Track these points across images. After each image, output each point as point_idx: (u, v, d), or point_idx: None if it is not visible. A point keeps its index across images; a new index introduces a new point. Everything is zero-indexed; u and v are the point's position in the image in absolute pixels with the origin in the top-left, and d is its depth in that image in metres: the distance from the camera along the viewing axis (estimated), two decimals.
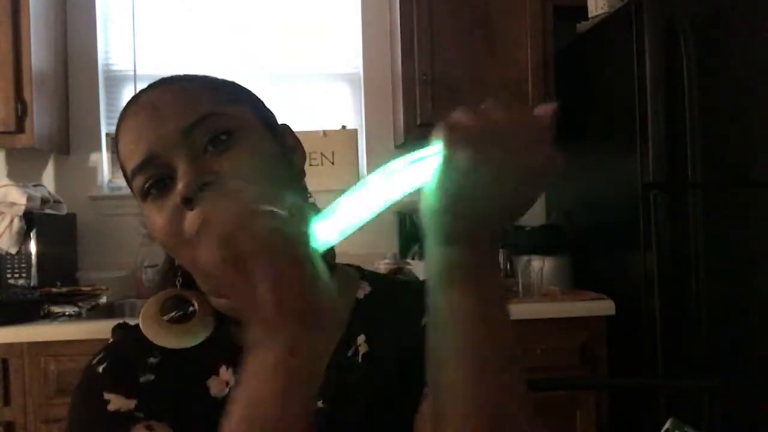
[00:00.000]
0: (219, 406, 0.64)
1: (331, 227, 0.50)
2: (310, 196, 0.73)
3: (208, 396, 0.67)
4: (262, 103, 0.73)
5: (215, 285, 0.66)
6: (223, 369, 0.68)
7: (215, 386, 0.68)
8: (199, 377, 0.67)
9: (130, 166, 0.65)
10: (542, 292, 2.17)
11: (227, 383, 0.68)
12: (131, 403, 0.65)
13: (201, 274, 0.66)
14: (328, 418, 0.67)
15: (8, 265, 2.16)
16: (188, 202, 0.60)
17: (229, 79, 0.73)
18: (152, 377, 0.68)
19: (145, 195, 0.64)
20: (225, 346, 0.69)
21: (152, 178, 0.63)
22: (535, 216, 2.64)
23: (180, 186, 0.61)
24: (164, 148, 0.63)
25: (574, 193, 2.45)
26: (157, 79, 0.70)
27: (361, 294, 0.77)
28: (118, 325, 0.75)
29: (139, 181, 0.64)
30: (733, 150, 1.96)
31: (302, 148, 0.74)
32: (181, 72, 0.71)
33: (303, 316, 0.47)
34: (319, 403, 0.67)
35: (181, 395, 0.67)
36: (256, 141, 0.66)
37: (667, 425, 1.10)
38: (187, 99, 0.65)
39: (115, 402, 0.65)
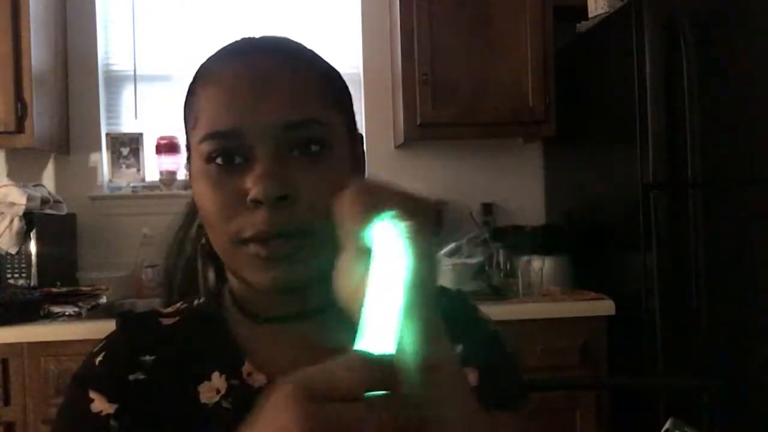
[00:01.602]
0: (207, 413, 0.64)
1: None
2: None
3: (197, 402, 0.65)
4: (353, 108, 0.71)
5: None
6: (215, 375, 0.66)
7: (206, 393, 0.65)
8: (191, 382, 0.66)
9: (208, 128, 0.61)
10: (542, 292, 2.16)
11: (218, 391, 0.65)
12: (112, 408, 0.64)
13: (227, 252, 0.63)
14: None
15: (8, 265, 2.16)
16: (257, 203, 0.58)
17: (336, 69, 0.71)
18: (143, 376, 0.66)
19: (207, 160, 0.61)
20: (221, 348, 0.67)
21: (223, 149, 0.61)
22: (535, 216, 2.64)
23: (258, 189, 0.58)
24: (254, 131, 0.60)
25: (574, 193, 2.45)
26: (253, 37, 0.66)
27: None
28: (123, 314, 0.73)
29: (208, 146, 0.61)
30: (733, 150, 1.95)
31: (365, 161, 0.72)
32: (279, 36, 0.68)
33: None
34: None
35: (170, 399, 0.65)
36: (341, 160, 0.64)
37: (667, 425, 1.10)
38: (297, 92, 0.62)
39: (98, 404, 0.64)
